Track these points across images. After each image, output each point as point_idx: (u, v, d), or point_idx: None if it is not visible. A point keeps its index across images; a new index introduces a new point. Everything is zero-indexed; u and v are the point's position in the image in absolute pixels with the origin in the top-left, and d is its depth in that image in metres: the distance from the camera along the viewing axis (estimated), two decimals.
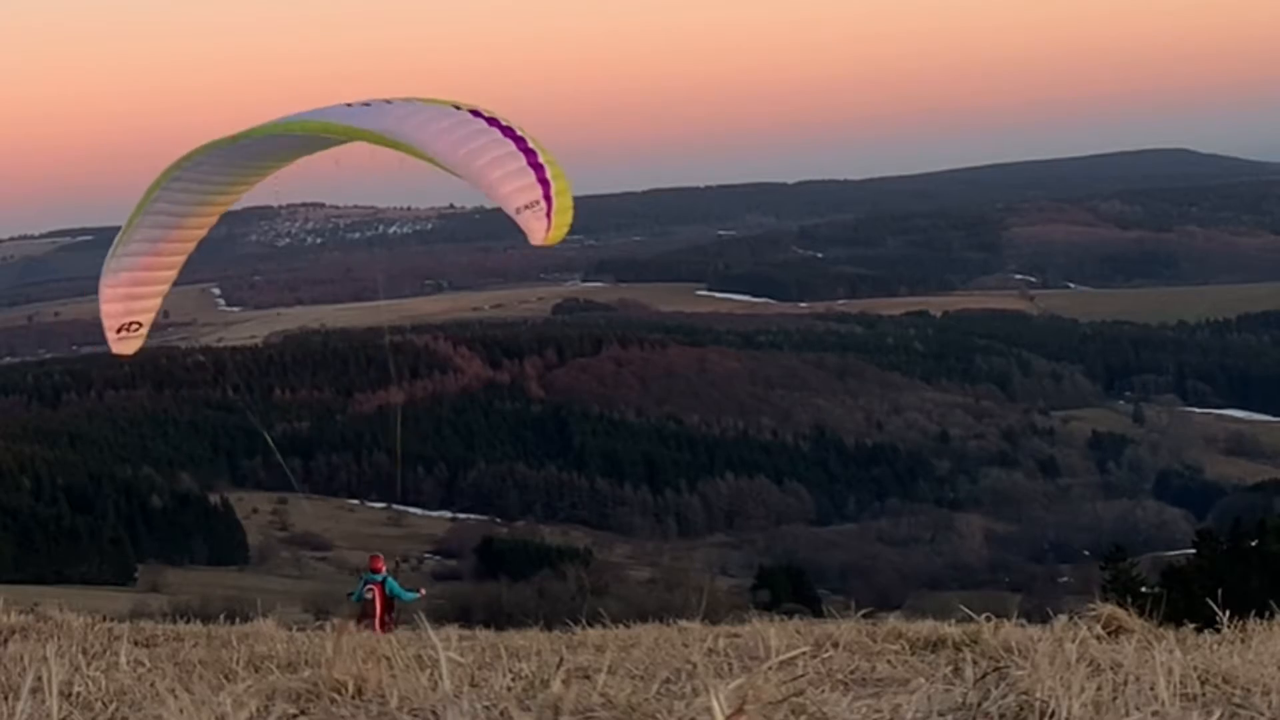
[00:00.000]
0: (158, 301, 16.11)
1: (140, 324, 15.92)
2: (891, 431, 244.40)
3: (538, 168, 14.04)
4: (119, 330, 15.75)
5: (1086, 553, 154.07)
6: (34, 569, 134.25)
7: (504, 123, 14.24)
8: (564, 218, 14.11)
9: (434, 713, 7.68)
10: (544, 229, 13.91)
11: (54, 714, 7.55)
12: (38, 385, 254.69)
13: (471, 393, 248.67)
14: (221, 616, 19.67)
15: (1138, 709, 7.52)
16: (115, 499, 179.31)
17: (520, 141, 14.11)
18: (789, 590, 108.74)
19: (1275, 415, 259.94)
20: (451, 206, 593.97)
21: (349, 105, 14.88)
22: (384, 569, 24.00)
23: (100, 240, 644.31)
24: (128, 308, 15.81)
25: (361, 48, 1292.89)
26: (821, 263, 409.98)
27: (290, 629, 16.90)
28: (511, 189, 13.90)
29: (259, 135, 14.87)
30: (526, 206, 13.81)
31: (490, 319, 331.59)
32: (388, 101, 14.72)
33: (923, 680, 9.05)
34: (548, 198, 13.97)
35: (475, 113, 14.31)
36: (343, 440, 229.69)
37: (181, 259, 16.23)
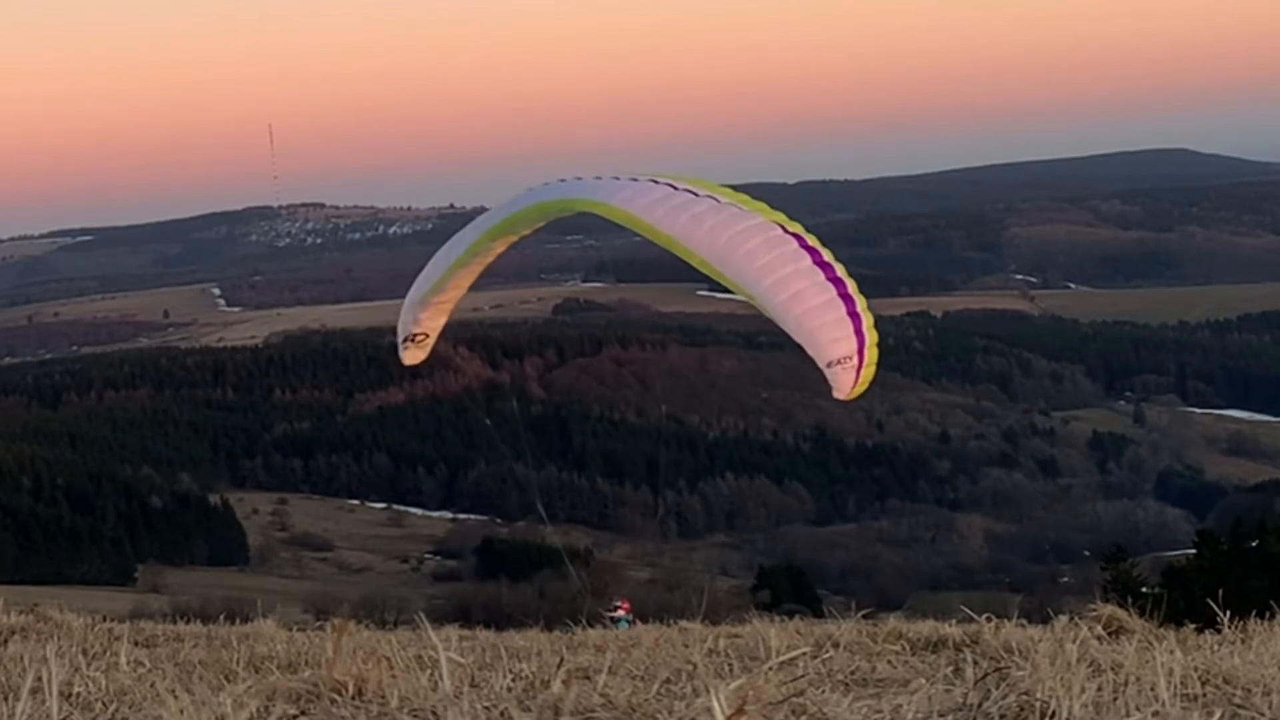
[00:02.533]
0: (441, 321, 16.36)
1: (426, 335, 15.81)
2: (892, 432, 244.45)
3: (855, 317, 13.69)
4: (406, 340, 16.05)
5: (1087, 553, 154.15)
6: (34, 569, 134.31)
7: (823, 256, 13.75)
8: (870, 371, 13.83)
9: (434, 713, 7.68)
10: (851, 384, 13.67)
11: (54, 714, 7.55)
12: (38, 385, 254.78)
13: (471, 393, 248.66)
14: (221, 617, 19.65)
15: (1138, 709, 7.52)
16: (115, 499, 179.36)
17: (840, 285, 13.70)
18: (789, 591, 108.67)
19: (1276, 415, 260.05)
20: (451, 206, 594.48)
21: (637, 181, 14.17)
22: (628, 612, 24.44)
23: (100, 240, 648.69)
24: (415, 316, 16.05)
25: (361, 48, 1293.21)
26: None
27: (290, 629, 16.88)
28: (828, 340, 13.56)
29: (550, 210, 14.60)
30: (839, 361, 13.54)
31: (490, 319, 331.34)
32: (691, 193, 13.81)
33: (923, 681, 9.05)
34: (861, 351, 13.66)
35: (793, 235, 13.78)
36: (343, 440, 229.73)
37: (460, 292, 16.41)
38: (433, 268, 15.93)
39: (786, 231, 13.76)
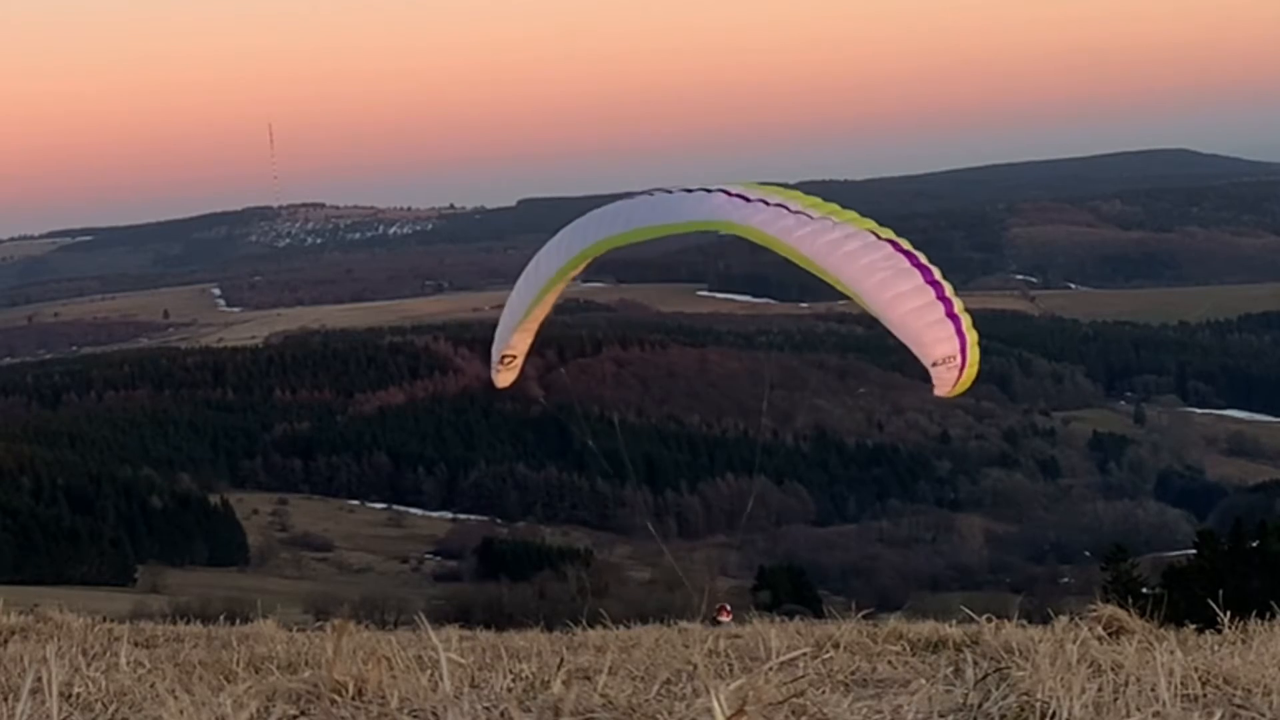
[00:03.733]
0: (529, 341, 16.78)
1: (515, 356, 16.22)
2: (892, 432, 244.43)
3: (955, 318, 14.16)
4: (498, 364, 16.12)
5: (1087, 553, 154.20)
6: (34, 569, 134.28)
7: (920, 259, 14.28)
8: (973, 370, 14.33)
9: (434, 714, 7.68)
10: (953, 382, 14.18)
11: (54, 715, 7.55)
12: (38, 385, 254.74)
13: (471, 393, 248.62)
14: (221, 617, 19.63)
15: (1139, 710, 7.52)
16: (115, 499, 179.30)
17: (938, 287, 14.18)
18: (790, 591, 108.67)
19: (1276, 416, 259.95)
20: (451, 206, 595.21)
21: (730, 195, 14.41)
22: (729, 617, 24.49)
23: (100, 240, 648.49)
24: (507, 339, 16.06)
25: (361, 48, 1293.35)
26: None
27: (290, 630, 16.88)
28: (932, 339, 14.04)
29: (675, 230, 14.70)
30: (943, 360, 13.99)
31: (490, 319, 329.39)
32: (781, 206, 14.37)
33: (923, 681, 9.05)
34: (963, 350, 14.16)
35: (888, 241, 14.40)
36: (343, 440, 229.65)
37: (548, 310, 16.93)
38: (526, 287, 15.89)
39: (880, 239, 14.44)
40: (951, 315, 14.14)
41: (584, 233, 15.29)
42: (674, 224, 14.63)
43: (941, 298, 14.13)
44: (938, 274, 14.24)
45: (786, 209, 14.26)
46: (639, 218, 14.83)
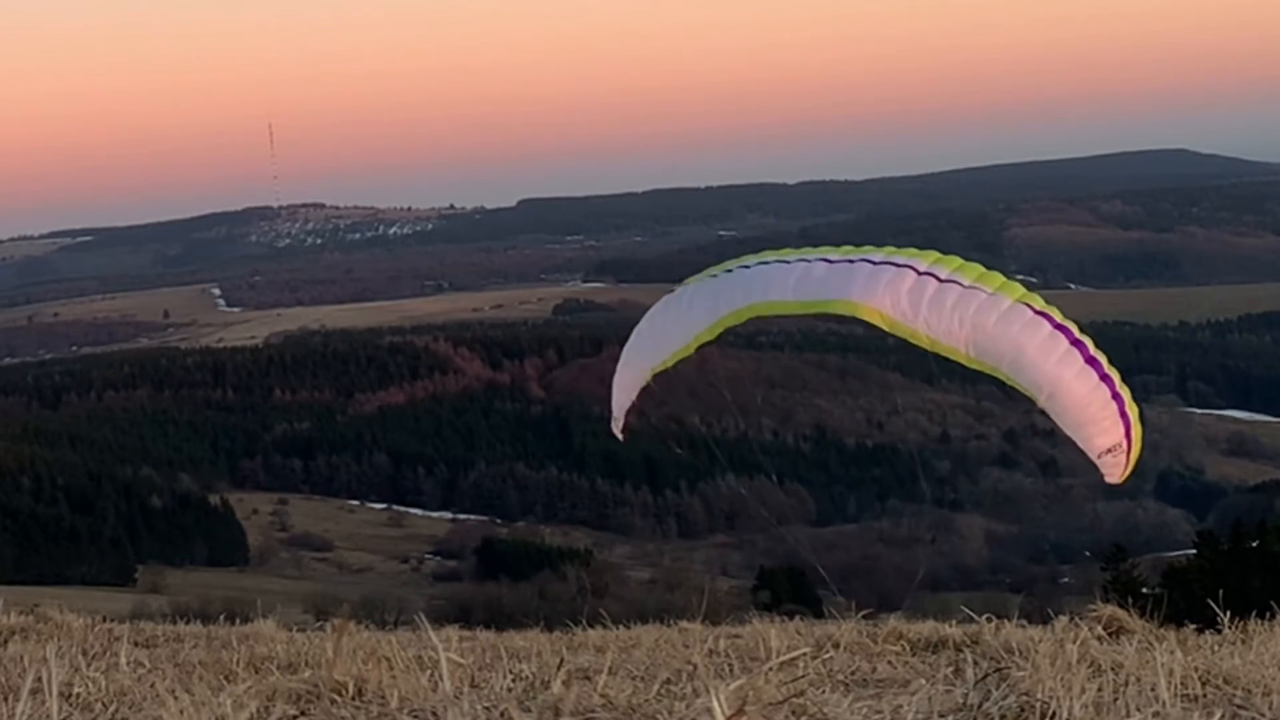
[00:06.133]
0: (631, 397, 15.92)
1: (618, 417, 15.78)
2: (892, 432, 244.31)
3: (1118, 399, 13.48)
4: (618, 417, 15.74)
5: (1087, 553, 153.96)
6: (34, 569, 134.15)
7: (1074, 333, 13.50)
8: (1138, 448, 13.68)
9: (434, 714, 7.68)
10: (1122, 469, 13.60)
11: (54, 715, 7.55)
12: (38, 385, 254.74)
13: (471, 393, 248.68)
14: (221, 617, 19.64)
15: (1139, 710, 7.52)
16: (115, 499, 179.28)
17: (1097, 365, 13.46)
18: (790, 591, 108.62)
19: (1276, 415, 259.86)
20: (451, 206, 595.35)
21: (875, 263, 13.51)
22: None
23: (100, 240, 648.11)
24: (629, 395, 15.61)
25: (360, 48, 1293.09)
26: None
27: (290, 630, 16.88)
28: (1097, 429, 13.43)
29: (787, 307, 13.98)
30: (1109, 450, 13.41)
31: (490, 319, 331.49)
32: (932, 275, 13.42)
33: (923, 681, 9.05)
34: (1128, 436, 13.50)
35: (1041, 314, 13.48)
36: (343, 440, 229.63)
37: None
38: (654, 347, 15.09)
39: (1035, 311, 13.62)
40: (1115, 396, 13.44)
41: (727, 296, 14.40)
42: (821, 302, 13.82)
43: (1103, 377, 13.41)
44: (1091, 346, 13.52)
45: (935, 277, 13.36)
46: (786, 289, 13.94)
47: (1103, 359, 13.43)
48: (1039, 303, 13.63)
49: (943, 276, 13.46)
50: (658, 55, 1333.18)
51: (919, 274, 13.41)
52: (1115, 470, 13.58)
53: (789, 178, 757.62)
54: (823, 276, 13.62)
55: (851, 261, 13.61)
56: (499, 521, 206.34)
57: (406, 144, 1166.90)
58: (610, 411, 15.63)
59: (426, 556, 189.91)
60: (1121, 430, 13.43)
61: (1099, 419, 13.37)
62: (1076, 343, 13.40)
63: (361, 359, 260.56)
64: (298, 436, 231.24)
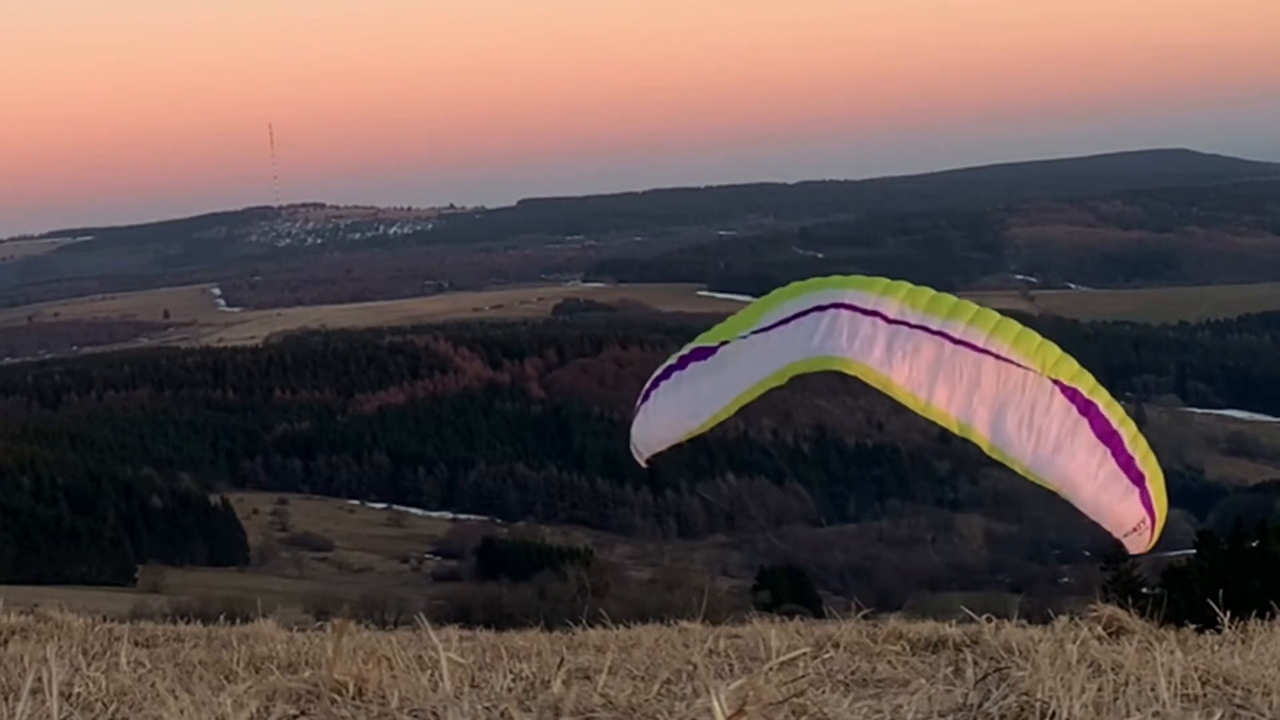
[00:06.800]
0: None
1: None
2: (892, 432, 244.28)
3: (1139, 477, 12.92)
4: (641, 453, 15.24)
5: (1087, 553, 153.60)
6: (34, 569, 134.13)
7: (1098, 408, 12.85)
8: (1163, 515, 13.27)
9: (434, 713, 7.68)
10: (1147, 543, 13.29)
11: (54, 715, 7.55)
12: (38, 385, 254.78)
13: (471, 393, 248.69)
14: (222, 617, 19.63)
15: (1139, 710, 7.52)
16: (115, 499, 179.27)
17: (1114, 439, 12.80)
18: (790, 591, 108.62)
19: (1276, 415, 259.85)
20: (451, 206, 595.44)
21: (904, 326, 12.98)
22: None
23: (100, 240, 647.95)
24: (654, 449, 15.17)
25: (361, 48, 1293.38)
26: (822, 263, 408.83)
27: (290, 630, 16.87)
28: (1121, 510, 12.99)
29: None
30: (1134, 529, 13.10)
31: (490, 319, 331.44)
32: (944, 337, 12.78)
33: (923, 681, 9.05)
34: (1150, 511, 13.08)
35: (1054, 382, 12.70)
36: (343, 440, 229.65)
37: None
38: (690, 408, 14.57)
39: (1062, 387, 12.80)
40: (1136, 477, 12.90)
41: (759, 360, 13.63)
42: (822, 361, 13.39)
43: (1118, 451, 12.83)
44: (1113, 417, 12.90)
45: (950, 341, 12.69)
46: (807, 349, 13.44)
47: (1125, 433, 12.85)
48: (1032, 345, 12.87)
49: (956, 335, 12.78)
50: (658, 55, 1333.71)
51: (930, 333, 12.87)
52: (1139, 545, 13.28)
53: (789, 178, 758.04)
54: (831, 336, 13.30)
55: (865, 313, 13.18)
56: (499, 521, 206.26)
57: (406, 144, 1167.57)
58: (632, 439, 15.20)
59: (426, 556, 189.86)
60: (1143, 509, 13.04)
61: (1117, 503, 12.97)
62: (1096, 418, 12.80)
63: (361, 359, 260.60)
64: (298, 436, 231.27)
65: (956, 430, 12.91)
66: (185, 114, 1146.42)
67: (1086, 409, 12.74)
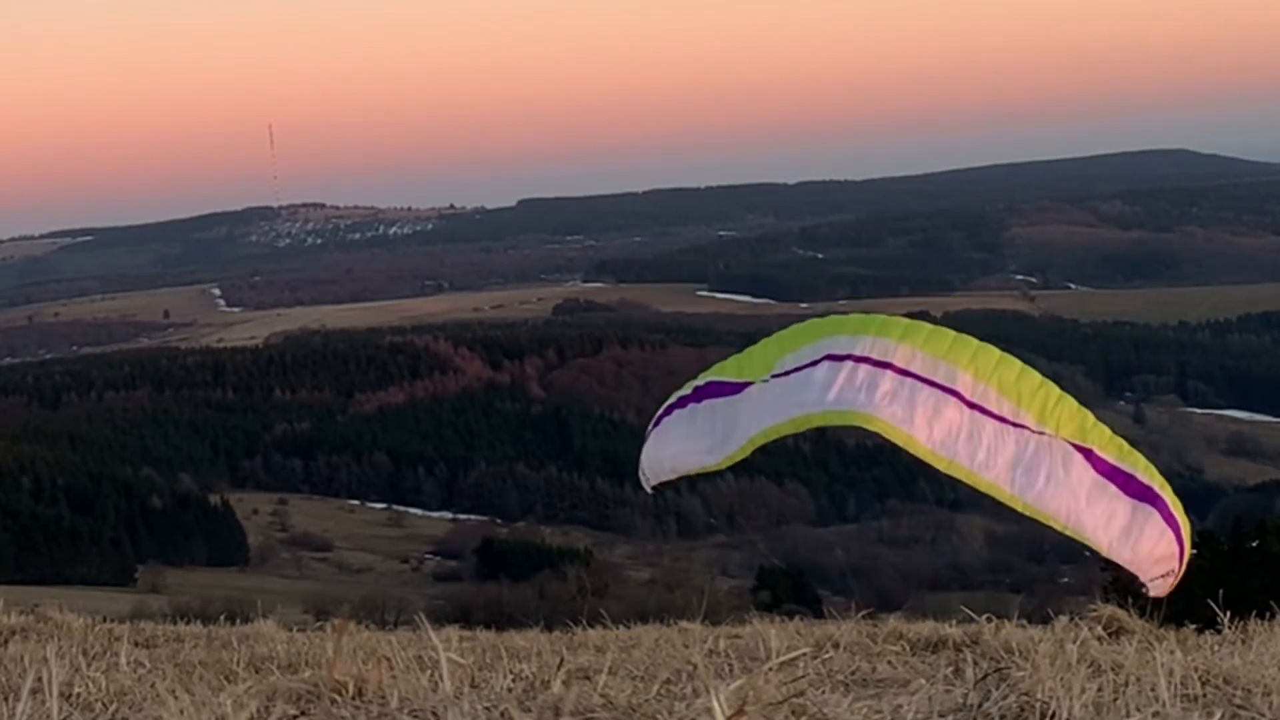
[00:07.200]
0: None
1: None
2: None
3: (1171, 520, 12.90)
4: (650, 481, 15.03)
5: (1087, 553, 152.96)
6: (34, 569, 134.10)
7: (1114, 463, 12.77)
8: (1187, 552, 13.20)
9: (434, 714, 7.68)
10: (1171, 584, 13.22)
11: (54, 715, 7.55)
12: (38, 385, 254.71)
13: (471, 393, 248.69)
14: (222, 617, 19.66)
15: (1139, 710, 7.53)
16: (115, 499, 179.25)
17: (1132, 483, 12.75)
18: (790, 591, 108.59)
19: (1276, 415, 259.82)
20: (451, 206, 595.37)
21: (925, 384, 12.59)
22: None
23: (100, 240, 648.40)
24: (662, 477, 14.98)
25: (360, 48, 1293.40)
26: (822, 263, 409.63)
27: (290, 630, 16.88)
28: (1154, 560, 12.95)
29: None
30: (1163, 575, 13.05)
31: (490, 319, 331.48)
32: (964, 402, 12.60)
33: (923, 681, 9.06)
34: (1180, 555, 13.02)
35: (1069, 443, 12.75)
36: (343, 440, 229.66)
37: None
38: (710, 440, 14.32)
39: (1077, 447, 12.84)
40: (1169, 519, 12.84)
41: (779, 410, 13.76)
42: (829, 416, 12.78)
43: (1139, 495, 12.76)
44: (1136, 468, 12.79)
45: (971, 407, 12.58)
46: (812, 402, 12.79)
47: (1151, 480, 12.77)
48: (1051, 399, 13.02)
49: (967, 401, 12.63)
50: (657, 55, 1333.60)
51: (943, 392, 12.57)
52: (1166, 588, 13.18)
53: (789, 178, 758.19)
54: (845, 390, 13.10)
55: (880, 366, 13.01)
56: (499, 521, 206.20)
57: (406, 144, 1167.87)
58: (641, 465, 15.03)
59: (426, 556, 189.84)
60: (1177, 555, 12.95)
61: (1156, 556, 12.88)
62: (1116, 472, 12.72)
63: (361, 359, 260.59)
64: (298, 436, 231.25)
65: (982, 489, 12.89)
66: (185, 114, 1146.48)
67: (1117, 474, 12.73)
